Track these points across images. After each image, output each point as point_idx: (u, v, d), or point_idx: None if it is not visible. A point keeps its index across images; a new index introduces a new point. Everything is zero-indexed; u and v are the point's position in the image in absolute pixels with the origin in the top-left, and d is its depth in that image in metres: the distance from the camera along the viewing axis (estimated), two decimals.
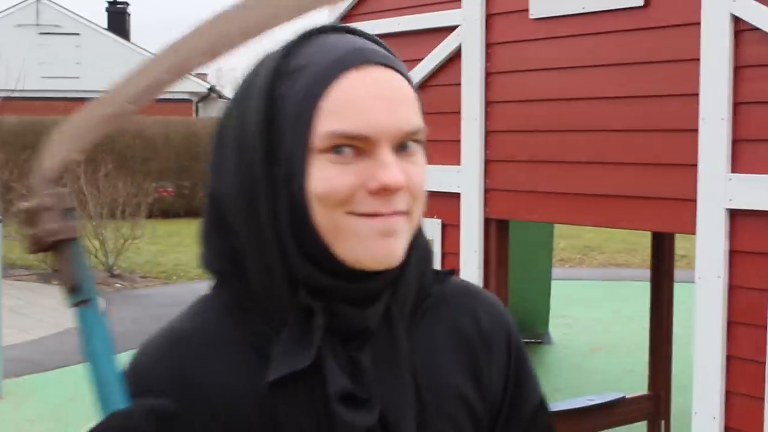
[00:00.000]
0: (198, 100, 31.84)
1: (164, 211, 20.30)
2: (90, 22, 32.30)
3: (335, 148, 1.02)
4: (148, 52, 31.66)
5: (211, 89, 32.33)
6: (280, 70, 1.05)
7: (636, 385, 7.15)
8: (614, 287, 12.70)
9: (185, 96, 30.34)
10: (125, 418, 1.04)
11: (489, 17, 5.01)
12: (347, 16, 5.75)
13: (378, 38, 1.12)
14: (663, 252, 6.30)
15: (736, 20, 3.94)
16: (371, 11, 5.64)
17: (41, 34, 31.19)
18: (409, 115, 1.06)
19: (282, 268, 1.05)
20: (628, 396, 6.04)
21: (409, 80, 1.08)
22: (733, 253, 4.00)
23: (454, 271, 1.22)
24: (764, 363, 3.90)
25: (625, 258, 15.39)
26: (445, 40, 5.20)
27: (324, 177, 1.02)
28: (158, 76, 1.08)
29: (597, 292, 12.41)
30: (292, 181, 1.03)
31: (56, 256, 1.05)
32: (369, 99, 1.03)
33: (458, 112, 5.13)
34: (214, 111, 32.90)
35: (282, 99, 1.04)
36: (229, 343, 1.09)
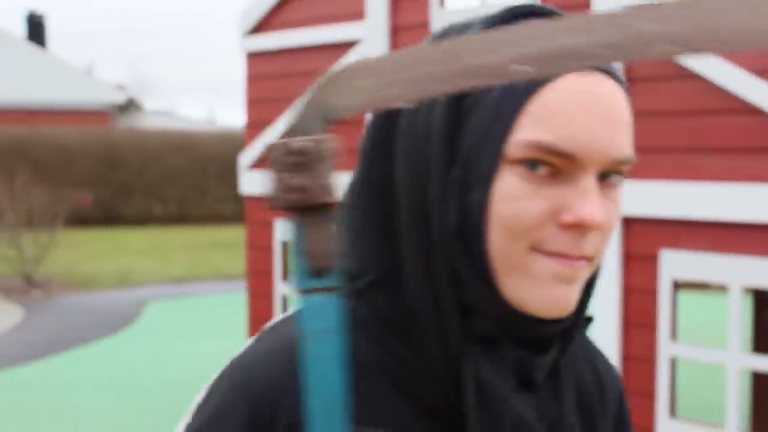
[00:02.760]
0: (117, 110, 31.54)
1: (82, 220, 20.16)
2: (5, 32, 31.81)
3: (529, 163, 0.83)
4: (62, 61, 31.26)
5: (130, 101, 32.06)
6: None
7: None
8: None
9: (102, 107, 29.97)
10: None
11: (393, 31, 5.13)
12: (258, 27, 5.82)
13: None
14: None
15: None
16: (280, 24, 5.71)
17: None
18: (625, 140, 0.86)
19: (450, 288, 0.85)
20: None
21: (628, 99, 0.89)
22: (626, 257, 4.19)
23: (593, 319, 0.97)
24: (653, 362, 4.10)
25: None
26: (347, 54, 5.28)
27: (511, 196, 0.83)
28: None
29: None
30: (470, 190, 0.84)
31: (308, 222, 0.73)
32: (585, 112, 0.83)
33: (362, 122, 5.21)
34: (132, 121, 32.64)
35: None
36: (366, 370, 0.88)
